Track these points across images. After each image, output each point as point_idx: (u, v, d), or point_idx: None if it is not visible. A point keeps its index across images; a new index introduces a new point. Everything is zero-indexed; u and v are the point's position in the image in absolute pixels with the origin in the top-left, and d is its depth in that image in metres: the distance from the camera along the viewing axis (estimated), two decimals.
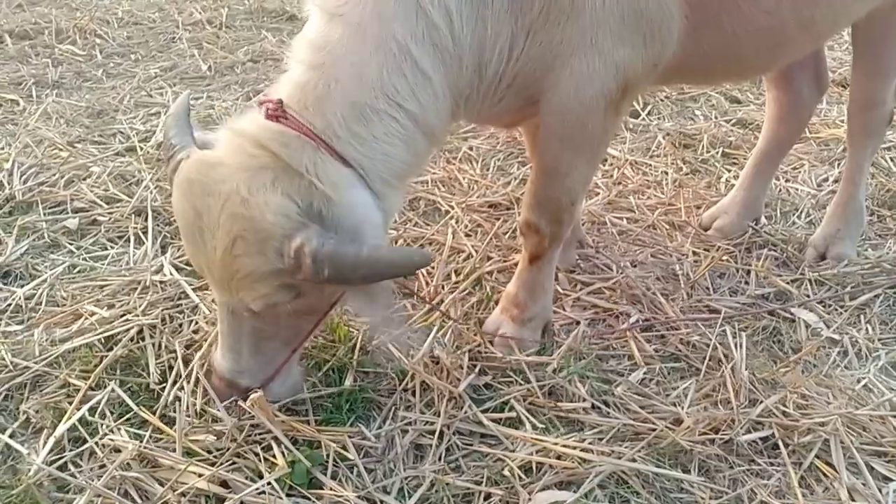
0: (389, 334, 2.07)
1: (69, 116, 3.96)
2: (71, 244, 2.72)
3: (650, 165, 3.51)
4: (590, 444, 1.88)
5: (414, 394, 2.02)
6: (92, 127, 3.84)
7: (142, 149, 3.45)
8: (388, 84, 1.64)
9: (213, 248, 1.58)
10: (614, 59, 1.78)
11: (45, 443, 1.83)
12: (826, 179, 3.34)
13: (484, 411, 1.98)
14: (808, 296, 2.55)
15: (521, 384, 2.09)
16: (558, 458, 1.83)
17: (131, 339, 2.14)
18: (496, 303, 2.36)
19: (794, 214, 3.10)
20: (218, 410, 1.86)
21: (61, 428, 1.86)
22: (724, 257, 2.72)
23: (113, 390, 1.98)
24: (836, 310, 2.49)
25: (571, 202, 2.04)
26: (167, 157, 1.70)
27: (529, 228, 2.10)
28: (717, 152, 3.62)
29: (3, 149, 3.41)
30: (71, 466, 1.79)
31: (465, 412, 1.96)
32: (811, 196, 3.22)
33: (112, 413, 1.93)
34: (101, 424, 1.88)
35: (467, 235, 2.85)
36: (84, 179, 3.15)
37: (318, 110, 1.63)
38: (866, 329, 2.39)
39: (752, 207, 2.89)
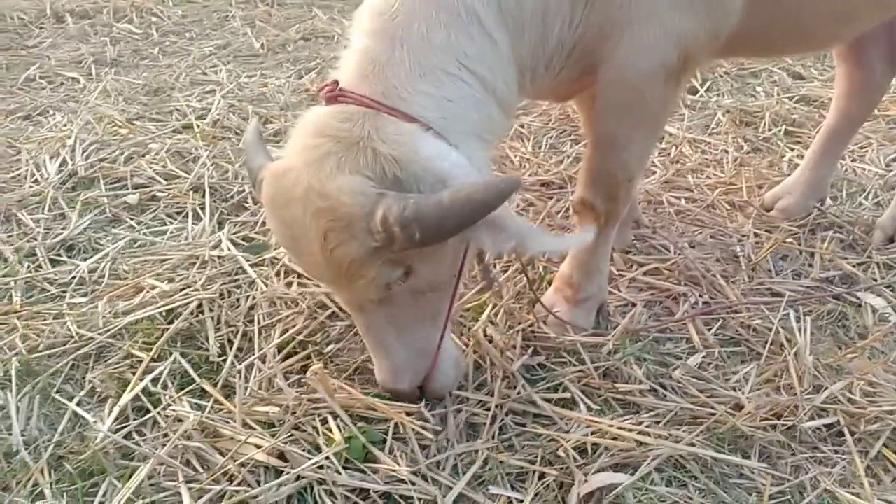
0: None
1: (128, 94, 4.05)
2: (132, 219, 2.79)
3: (709, 143, 3.41)
4: (647, 426, 1.84)
5: (466, 376, 2.01)
6: (150, 104, 3.92)
7: (198, 126, 3.51)
8: (457, 47, 1.59)
9: (311, 252, 1.53)
10: (675, 29, 1.72)
11: (111, 412, 1.88)
12: (895, 160, 3.19)
13: (538, 392, 1.96)
14: (876, 279, 2.45)
15: (575, 365, 2.06)
16: (614, 439, 1.81)
17: (191, 313, 2.19)
18: (549, 283, 2.34)
19: (860, 195, 2.98)
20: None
21: (125, 398, 1.91)
22: (788, 239, 2.63)
23: (175, 361, 2.03)
24: None
25: (629, 178, 1.99)
26: (253, 184, 1.68)
27: (584, 206, 2.05)
28: (780, 130, 3.49)
29: (65, 125, 3.51)
30: (135, 435, 1.84)
31: (519, 392, 1.95)
32: (879, 176, 3.09)
33: (174, 384, 1.98)
34: (164, 395, 1.93)
35: (519, 214, 2.82)
36: (143, 156, 3.21)
37: (380, 76, 1.57)
38: None
39: (817, 188, 2.78)
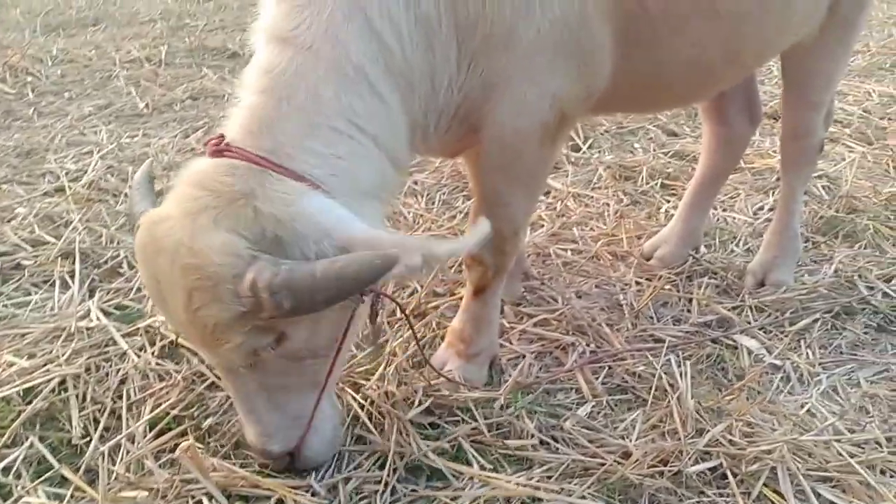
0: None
1: None
2: None
3: (592, 197, 3.54)
4: (539, 481, 1.83)
5: (358, 439, 1.94)
6: (20, 167, 3.70)
7: (71, 188, 3.32)
8: (346, 105, 1.58)
9: (176, 309, 1.45)
10: (549, 89, 1.79)
11: None
12: (762, 208, 3.42)
13: (432, 451, 1.91)
14: (750, 322, 2.57)
15: (468, 422, 2.03)
16: (507, 498, 1.78)
17: (52, 391, 2.01)
18: (442, 339, 2.32)
19: (732, 243, 3.16)
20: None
21: None
22: (667, 286, 2.74)
23: (31, 446, 1.85)
24: (777, 335, 2.52)
25: (514, 232, 2.03)
26: (133, 228, 1.59)
27: (473, 260, 2.07)
28: (657, 184, 3.68)
29: None
30: None
31: (413, 454, 1.89)
32: (748, 224, 3.29)
33: (28, 472, 1.79)
34: (16, 486, 1.74)
35: None
36: (8, 221, 3.00)
37: (268, 132, 1.53)
38: (807, 354, 2.42)
39: (691, 237, 2.93)
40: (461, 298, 2.33)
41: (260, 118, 1.55)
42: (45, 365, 2.11)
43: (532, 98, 1.79)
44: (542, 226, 3.25)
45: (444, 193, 3.59)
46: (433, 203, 3.49)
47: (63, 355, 2.16)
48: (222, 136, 1.56)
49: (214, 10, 8.00)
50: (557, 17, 1.71)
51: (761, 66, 2.74)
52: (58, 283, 2.60)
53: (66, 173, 3.54)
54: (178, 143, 4.10)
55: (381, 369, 2.14)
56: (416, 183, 3.64)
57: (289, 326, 1.49)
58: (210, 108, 4.84)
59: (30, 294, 2.56)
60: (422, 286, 2.67)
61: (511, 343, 2.38)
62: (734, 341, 2.48)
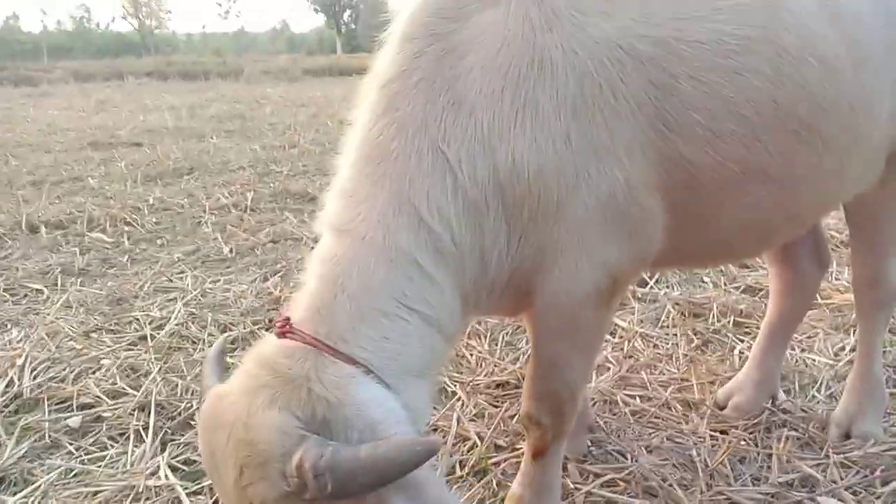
0: None
1: (89, 304, 4.08)
2: (71, 444, 2.69)
3: (661, 337, 3.47)
4: None
5: None
6: (110, 315, 3.94)
7: (153, 337, 3.51)
8: (396, 289, 1.67)
9: (227, 482, 1.48)
10: (601, 258, 1.81)
11: None
12: (843, 348, 3.25)
13: None
14: (836, 482, 2.38)
15: None
16: None
17: None
18: (502, 501, 2.25)
19: (812, 388, 2.99)
20: None
21: None
22: (743, 441, 2.59)
23: None
24: (868, 497, 2.32)
25: (572, 395, 1.99)
26: (201, 401, 1.68)
27: (531, 421, 2.03)
28: (729, 321, 3.58)
29: (19, 342, 3.50)
30: None
31: None
32: (829, 367, 3.12)
33: None
34: None
35: (472, 420, 2.78)
36: (93, 373, 3.17)
37: (325, 318, 1.63)
38: None
39: (767, 384, 2.79)
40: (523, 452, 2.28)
41: (318, 303, 1.65)
42: None
43: (584, 267, 1.81)
44: (609, 369, 3.18)
45: (507, 334, 3.60)
46: (496, 343, 3.49)
47: None
48: (288, 318, 1.67)
49: (298, 156, 8.62)
50: (604, 192, 1.75)
51: (821, 220, 2.69)
52: (132, 437, 2.70)
53: (151, 321, 3.76)
54: (256, 288, 4.31)
55: None
56: (479, 323, 3.66)
57: None
58: (289, 250, 5.12)
59: (106, 448, 2.66)
60: (482, 439, 2.62)
61: None
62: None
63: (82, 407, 2.92)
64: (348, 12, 64.41)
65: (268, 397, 1.48)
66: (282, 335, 1.63)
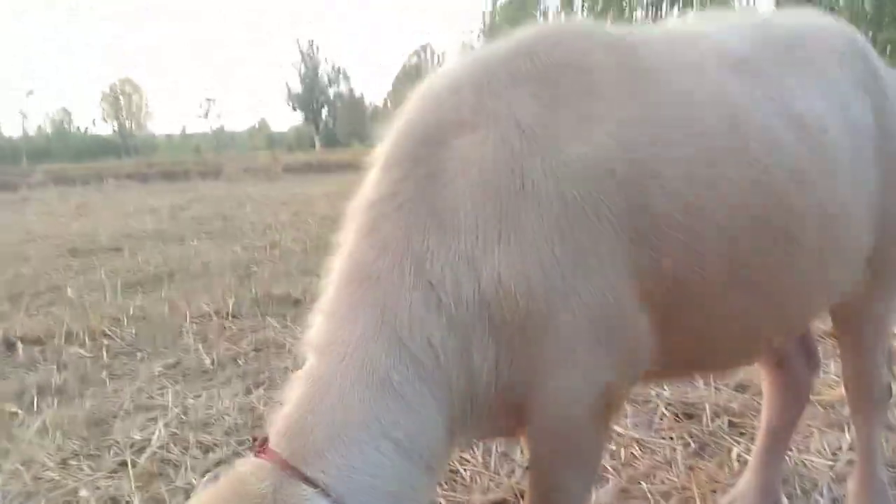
0: None
1: (66, 428, 3.93)
2: None
3: (657, 443, 3.41)
4: None
5: None
6: (88, 438, 3.80)
7: (134, 464, 3.38)
8: (370, 416, 1.63)
9: None
10: (594, 376, 1.79)
11: None
12: (840, 448, 3.22)
13: None
14: None
15: None
16: None
17: None
18: None
19: (814, 491, 2.93)
20: None
21: None
22: None
23: None
24: None
25: None
26: None
27: None
28: (723, 422, 3.54)
29: None
30: None
31: None
32: (828, 468, 3.07)
33: None
34: None
35: None
36: None
37: (294, 439, 1.61)
38: None
39: (769, 491, 2.74)
40: None
41: (291, 423, 1.64)
42: None
43: (578, 386, 1.79)
44: (609, 480, 3.10)
45: (501, 444, 3.51)
46: (490, 455, 3.40)
47: None
48: (266, 437, 1.66)
49: (279, 257, 8.62)
50: (594, 310, 1.74)
51: (810, 325, 2.72)
52: None
53: (131, 445, 3.62)
54: (239, 402, 4.20)
55: None
56: None
57: None
58: (273, 358, 5.03)
59: None
60: None
61: None
62: None
63: None
64: (326, 109, 66.32)
65: None
66: (258, 454, 1.63)
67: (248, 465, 1.62)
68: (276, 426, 1.68)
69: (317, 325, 1.80)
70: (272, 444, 1.63)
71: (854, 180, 2.15)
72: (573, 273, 1.73)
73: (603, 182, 1.76)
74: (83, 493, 3.13)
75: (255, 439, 1.72)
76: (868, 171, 2.20)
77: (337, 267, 1.84)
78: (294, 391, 1.72)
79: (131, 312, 6.37)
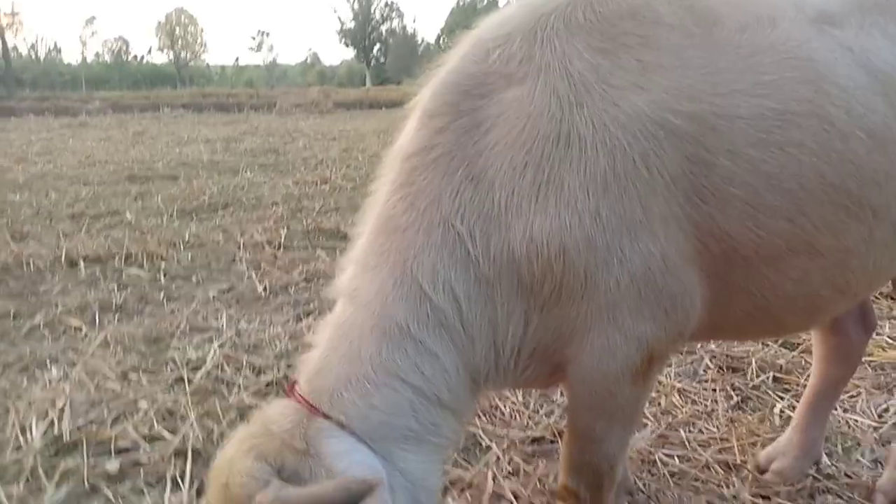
0: None
1: (126, 343, 4.13)
2: (109, 489, 2.71)
3: (698, 393, 3.41)
4: None
5: None
6: (147, 354, 3.99)
7: (190, 381, 3.54)
8: (388, 359, 1.68)
9: None
10: (635, 334, 1.75)
11: None
12: (886, 409, 3.17)
13: None
14: None
15: None
16: None
17: None
18: None
19: (856, 451, 2.91)
20: None
21: None
22: None
23: None
24: None
25: (610, 467, 1.96)
26: None
27: (569, 493, 2.00)
28: (768, 377, 3.51)
29: (59, 381, 3.55)
30: None
31: None
32: (873, 429, 3.04)
33: None
34: None
35: (506, 477, 2.75)
36: (131, 415, 3.21)
37: (318, 380, 1.69)
38: None
39: (811, 450, 2.73)
40: None
41: (315, 366, 1.73)
42: None
43: (617, 343, 1.76)
44: (647, 425, 3.13)
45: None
46: (530, 395, 3.46)
47: None
48: (296, 380, 1.76)
49: (329, 192, 8.73)
50: (638, 268, 1.70)
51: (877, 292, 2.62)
52: (169, 484, 2.72)
53: (187, 363, 3.79)
54: (290, 330, 4.34)
55: None
56: None
57: None
58: (322, 289, 5.15)
59: (143, 494, 2.68)
60: (518, 498, 2.59)
61: None
62: None
63: (120, 451, 2.95)
64: (378, 46, 65.58)
65: (249, 447, 1.57)
66: (287, 394, 1.73)
67: (276, 405, 1.71)
68: (304, 368, 1.76)
69: (346, 272, 1.84)
70: (300, 386, 1.72)
71: None
72: (618, 231, 1.68)
73: (658, 135, 1.70)
74: (142, 404, 3.30)
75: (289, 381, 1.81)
76: None
77: (369, 217, 1.87)
78: (321, 335, 1.79)
79: (187, 238, 6.57)
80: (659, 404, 3.33)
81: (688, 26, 1.82)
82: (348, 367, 1.68)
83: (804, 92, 1.81)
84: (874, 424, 3.08)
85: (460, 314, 1.72)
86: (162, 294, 5.12)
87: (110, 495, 2.67)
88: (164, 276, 5.54)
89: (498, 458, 2.88)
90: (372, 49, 65.37)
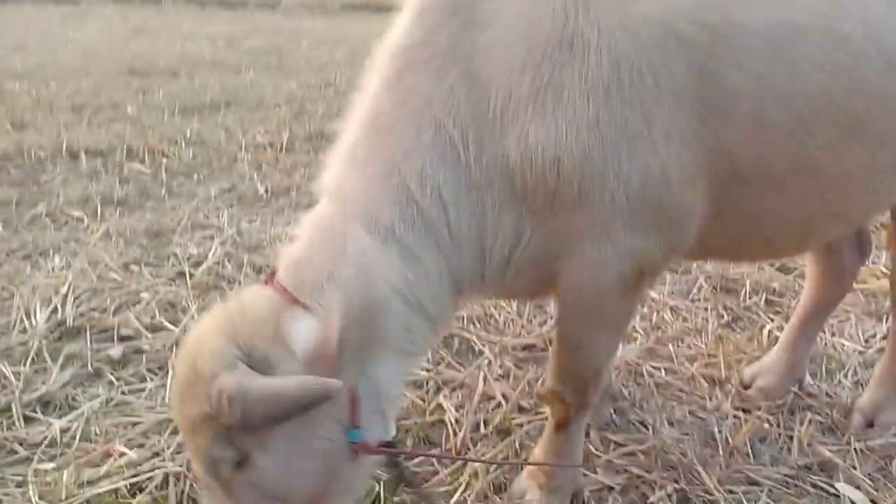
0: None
1: (128, 237, 4.17)
2: (113, 374, 2.80)
3: (690, 310, 3.47)
4: None
5: None
6: (149, 248, 4.03)
7: (192, 275, 3.59)
8: (367, 259, 1.63)
9: (174, 395, 1.59)
10: (627, 247, 1.73)
11: None
12: (874, 335, 3.23)
13: None
14: (855, 468, 2.41)
15: None
16: None
17: (157, 486, 2.15)
18: (525, 460, 2.31)
19: (839, 373, 2.99)
20: None
21: None
22: (766, 423, 2.61)
23: None
24: (886, 485, 2.35)
25: (596, 373, 2.01)
26: None
27: (554, 396, 2.06)
28: (760, 299, 3.56)
29: (62, 270, 3.60)
30: None
31: None
32: (858, 353, 3.11)
33: None
34: None
35: (497, 380, 2.84)
36: (134, 305, 3.27)
37: (298, 272, 1.63)
38: None
39: (795, 369, 2.80)
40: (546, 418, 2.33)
41: (296, 258, 1.67)
42: (151, 457, 2.27)
43: (609, 256, 1.74)
44: (636, 339, 3.20)
45: None
46: (524, 305, 3.51)
47: (169, 447, 2.31)
48: (275, 270, 1.70)
49: (333, 97, 8.56)
50: (635, 182, 1.66)
51: (874, 219, 2.60)
52: (171, 371, 2.80)
53: (189, 257, 3.83)
54: (291, 231, 4.36)
55: (457, 495, 2.15)
56: None
57: (255, 450, 1.50)
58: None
59: (145, 381, 2.77)
60: (507, 400, 2.68)
61: (596, 473, 2.33)
62: (837, 490, 2.32)
63: (123, 339, 3.03)
64: None
65: (219, 326, 1.55)
66: (265, 283, 1.68)
67: (254, 291, 1.66)
68: (284, 260, 1.70)
69: (331, 168, 1.78)
70: (279, 275, 1.66)
71: None
72: (617, 145, 1.63)
73: (667, 44, 1.62)
74: (144, 295, 3.36)
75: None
76: None
77: (357, 113, 1.78)
78: (303, 228, 1.74)
79: (189, 136, 6.51)
80: (650, 319, 3.39)
81: None
82: (331, 262, 1.62)
83: (820, 5, 1.75)
84: (860, 349, 3.15)
85: (448, 219, 1.68)
86: (163, 190, 5.13)
87: (113, 379, 2.76)
88: (166, 172, 5.52)
89: (490, 361, 2.96)
90: None
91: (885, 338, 3.10)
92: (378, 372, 1.64)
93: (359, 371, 1.60)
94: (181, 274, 3.64)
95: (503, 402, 2.67)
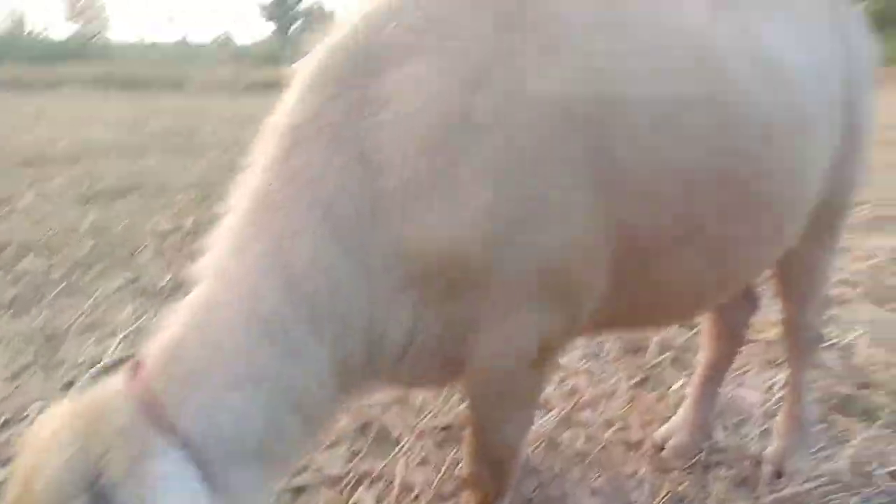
0: None
1: (16, 345, 3.91)
2: None
3: (604, 372, 3.53)
4: None
5: None
6: (40, 353, 3.79)
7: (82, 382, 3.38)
8: (243, 355, 1.50)
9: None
10: (531, 324, 1.72)
11: None
12: (773, 385, 3.37)
13: None
14: None
15: None
16: None
17: None
18: None
19: (746, 423, 3.09)
20: None
21: None
22: (680, 486, 2.65)
23: None
24: None
25: (512, 453, 1.99)
26: None
27: (473, 481, 2.03)
28: (666, 358, 3.67)
29: None
30: None
31: None
32: (761, 403, 3.23)
33: None
34: None
35: (418, 466, 2.77)
36: (21, 421, 3.04)
37: (163, 370, 1.49)
38: None
39: (703, 426, 2.87)
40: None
41: (163, 353, 1.52)
42: None
43: (513, 335, 1.72)
44: (552, 410, 3.22)
45: None
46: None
47: None
48: (138, 361, 1.54)
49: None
50: (534, 262, 1.65)
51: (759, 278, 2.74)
52: None
53: (83, 363, 3.62)
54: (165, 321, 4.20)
55: None
56: None
57: None
58: None
59: None
60: (430, 486, 2.62)
61: None
62: None
63: (5, 462, 2.79)
64: (299, 21, 63.90)
65: (73, 435, 1.37)
66: (132, 376, 1.50)
67: (112, 390, 1.48)
68: (151, 351, 1.54)
69: (212, 252, 1.65)
70: (147, 370, 1.50)
71: (818, 140, 2.07)
72: (518, 228, 1.60)
73: (564, 122, 1.62)
74: (33, 406, 3.13)
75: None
76: (834, 122, 2.14)
77: (241, 194, 1.68)
78: (175, 317, 1.58)
79: (87, 226, 6.25)
80: (566, 386, 3.42)
81: (596, 5, 1.77)
82: (205, 358, 1.48)
83: (703, 80, 1.80)
84: (762, 398, 3.27)
85: (333, 309, 1.57)
86: (59, 287, 4.86)
87: None
88: (62, 267, 5.25)
89: (407, 448, 2.90)
90: (288, 28, 63.65)
91: (785, 384, 3.24)
92: (240, 490, 1.48)
93: (219, 494, 1.44)
94: (72, 382, 3.43)
95: (424, 491, 2.61)
